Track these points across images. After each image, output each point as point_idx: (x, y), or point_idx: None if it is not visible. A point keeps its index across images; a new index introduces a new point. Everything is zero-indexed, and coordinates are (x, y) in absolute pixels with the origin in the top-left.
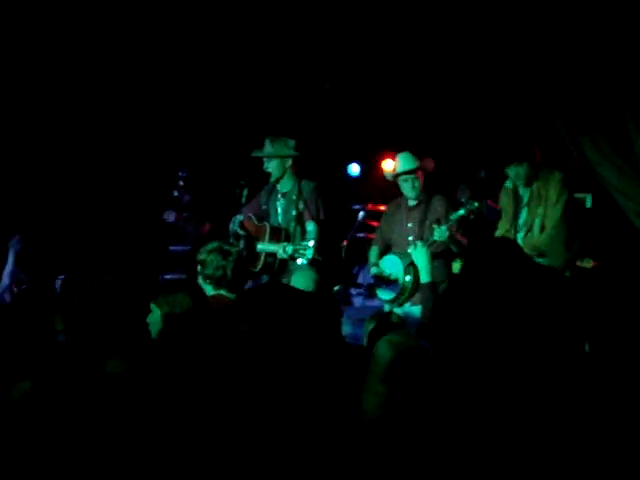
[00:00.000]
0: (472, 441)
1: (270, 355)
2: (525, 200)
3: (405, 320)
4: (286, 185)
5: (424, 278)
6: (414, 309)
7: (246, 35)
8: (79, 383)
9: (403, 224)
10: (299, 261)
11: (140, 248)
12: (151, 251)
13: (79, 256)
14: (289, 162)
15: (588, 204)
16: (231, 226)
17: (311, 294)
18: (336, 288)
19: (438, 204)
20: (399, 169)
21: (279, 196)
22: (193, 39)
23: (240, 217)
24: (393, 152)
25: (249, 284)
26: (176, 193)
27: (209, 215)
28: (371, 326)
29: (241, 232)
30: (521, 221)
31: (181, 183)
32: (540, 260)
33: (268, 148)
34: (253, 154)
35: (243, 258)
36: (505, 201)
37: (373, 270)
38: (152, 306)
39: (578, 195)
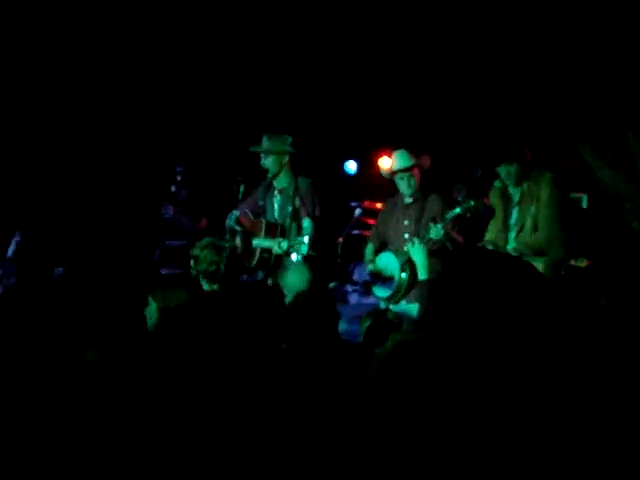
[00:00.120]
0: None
1: (264, 351)
2: (516, 199)
3: (401, 317)
4: (283, 181)
5: (421, 275)
6: (411, 306)
7: (244, 31)
8: (61, 371)
9: (399, 222)
10: (293, 256)
11: (137, 242)
12: (148, 246)
13: (77, 249)
14: (286, 158)
15: (584, 204)
16: (227, 222)
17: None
18: (331, 285)
19: (434, 202)
20: (395, 167)
21: (275, 192)
22: (191, 36)
23: (236, 213)
24: (390, 149)
25: (244, 279)
26: (174, 188)
27: (206, 210)
28: (367, 323)
29: (237, 228)
30: (512, 220)
31: (179, 178)
32: (534, 259)
33: (265, 144)
34: (250, 149)
35: (236, 254)
36: (494, 201)
37: (369, 267)
38: (149, 299)
39: (574, 195)
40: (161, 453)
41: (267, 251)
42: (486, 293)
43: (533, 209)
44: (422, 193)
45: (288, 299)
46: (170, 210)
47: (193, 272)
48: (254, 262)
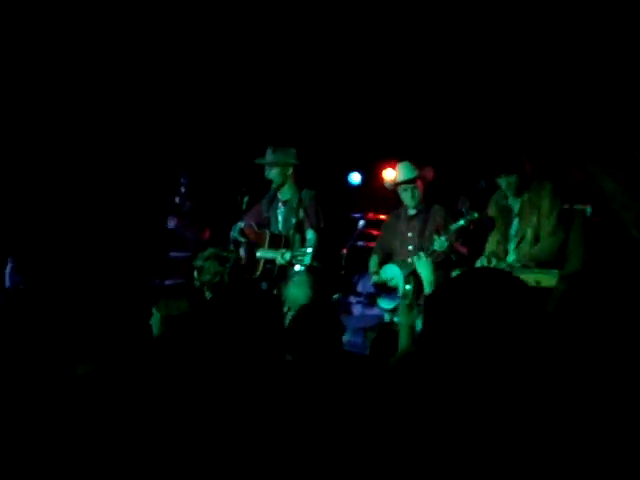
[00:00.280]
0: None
1: (267, 361)
2: (516, 210)
3: None
4: (287, 193)
5: (427, 289)
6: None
7: (248, 44)
8: (52, 384)
9: (403, 234)
10: (297, 267)
11: (141, 254)
12: (152, 257)
13: (80, 260)
14: (290, 170)
15: (588, 215)
16: (232, 233)
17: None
18: (335, 296)
19: (437, 214)
20: (399, 179)
21: (280, 204)
22: (196, 48)
23: (241, 224)
24: (394, 161)
25: None
26: (178, 200)
27: (209, 222)
28: (373, 336)
29: (241, 239)
30: (512, 231)
31: (183, 190)
32: (541, 271)
33: (270, 156)
34: (255, 161)
35: (240, 264)
36: (494, 212)
37: (373, 279)
38: (153, 310)
39: (578, 207)
40: (161, 464)
41: (271, 262)
42: (478, 309)
43: (534, 220)
44: (426, 205)
45: (292, 312)
46: (173, 221)
47: (197, 283)
48: (258, 273)
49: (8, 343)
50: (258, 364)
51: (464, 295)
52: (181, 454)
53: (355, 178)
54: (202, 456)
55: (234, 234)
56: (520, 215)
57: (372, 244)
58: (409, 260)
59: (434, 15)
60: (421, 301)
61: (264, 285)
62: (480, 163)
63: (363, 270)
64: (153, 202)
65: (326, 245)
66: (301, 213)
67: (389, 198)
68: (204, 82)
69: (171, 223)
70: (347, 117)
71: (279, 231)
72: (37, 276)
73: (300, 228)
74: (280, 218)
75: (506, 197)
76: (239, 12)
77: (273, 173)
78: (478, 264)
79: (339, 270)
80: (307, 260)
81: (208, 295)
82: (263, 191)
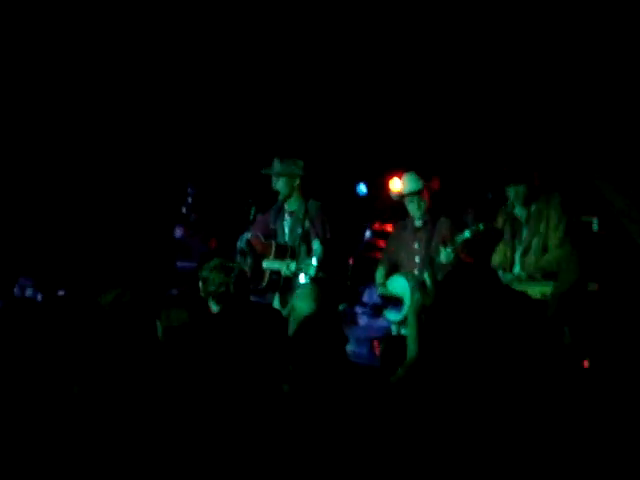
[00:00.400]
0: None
1: (269, 372)
2: (524, 220)
3: None
4: (293, 204)
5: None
6: None
7: (256, 55)
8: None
9: (409, 245)
10: (302, 278)
11: (148, 264)
12: (159, 267)
13: (87, 271)
14: (297, 181)
15: (595, 228)
16: (238, 243)
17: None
18: (341, 307)
19: (444, 225)
20: (405, 190)
21: (286, 215)
22: (204, 58)
23: (247, 235)
24: (400, 172)
25: (255, 301)
26: (184, 210)
27: (216, 232)
28: (382, 348)
29: (248, 250)
30: (519, 242)
31: (189, 200)
32: (542, 283)
33: (277, 167)
34: (262, 172)
35: (245, 275)
36: (502, 224)
37: (380, 290)
38: (157, 322)
39: (585, 219)
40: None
41: (276, 273)
42: (476, 318)
43: (542, 230)
44: (432, 216)
45: (296, 323)
46: (179, 231)
47: (202, 294)
48: (264, 284)
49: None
50: (261, 376)
51: (462, 307)
52: (182, 462)
53: (362, 189)
54: (202, 467)
55: (241, 244)
56: (528, 225)
57: (378, 254)
58: (416, 272)
59: (442, 27)
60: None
61: (270, 296)
62: (487, 175)
63: (369, 281)
64: (160, 212)
65: (332, 256)
66: (307, 224)
67: (395, 208)
68: (212, 93)
69: (178, 233)
70: (354, 128)
71: (285, 242)
72: (51, 287)
73: (306, 239)
74: (286, 229)
75: (514, 207)
76: (248, 25)
77: (280, 184)
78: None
79: (345, 281)
80: (312, 271)
81: (213, 306)
82: (270, 202)
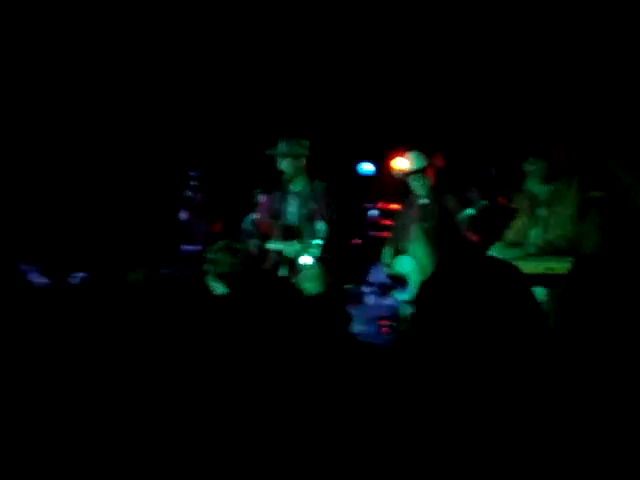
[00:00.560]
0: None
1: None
2: (542, 198)
3: None
4: (298, 185)
5: None
6: None
7: (258, 35)
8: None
9: (415, 223)
10: (306, 259)
11: (153, 247)
12: (163, 250)
13: (93, 255)
14: (302, 162)
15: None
16: (243, 225)
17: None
18: (348, 287)
19: (449, 202)
20: (408, 168)
21: (291, 196)
22: (207, 40)
23: (253, 216)
24: (404, 150)
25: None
26: (189, 193)
27: (221, 214)
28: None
29: (253, 231)
30: (537, 220)
31: (193, 183)
32: (560, 258)
33: (282, 147)
34: (267, 152)
35: (252, 256)
36: (521, 203)
37: (387, 271)
38: None
39: (595, 194)
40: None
41: (281, 254)
42: (470, 296)
43: (560, 209)
44: (437, 193)
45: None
46: (184, 214)
47: (211, 276)
48: (268, 264)
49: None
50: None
51: (456, 284)
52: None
53: (367, 167)
54: (203, 456)
55: (246, 226)
56: (546, 204)
57: (384, 233)
58: None
59: (444, 5)
60: None
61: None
62: (490, 151)
63: (375, 260)
64: (164, 195)
65: (337, 237)
66: (312, 204)
67: (400, 187)
68: (215, 75)
69: (182, 216)
70: (357, 106)
71: (290, 222)
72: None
73: (311, 220)
74: (292, 210)
75: (533, 185)
76: (249, 6)
77: (285, 164)
78: (494, 251)
79: (351, 260)
80: (316, 252)
81: (219, 288)
82: (275, 183)
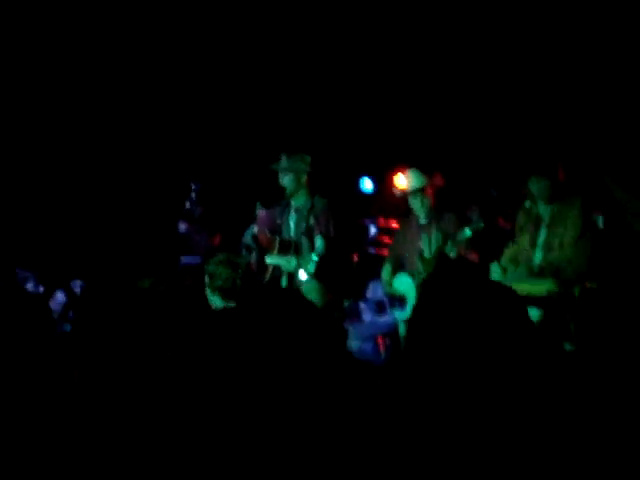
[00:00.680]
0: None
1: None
2: (545, 220)
3: None
4: (300, 200)
5: None
6: None
7: (262, 51)
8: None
9: (415, 242)
10: (301, 274)
11: (152, 259)
12: (163, 262)
13: (93, 264)
14: (304, 177)
15: (600, 225)
16: (244, 238)
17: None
18: (346, 303)
19: (448, 222)
20: (407, 187)
21: (292, 211)
22: (209, 53)
23: (253, 230)
24: (405, 168)
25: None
26: (188, 205)
27: (220, 227)
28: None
29: (253, 245)
30: (540, 240)
31: (193, 196)
32: (546, 280)
33: (284, 162)
34: (270, 167)
35: (251, 270)
36: (523, 220)
37: (386, 289)
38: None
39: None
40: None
41: (278, 268)
42: (464, 318)
43: (562, 230)
44: (436, 212)
45: None
46: (183, 226)
47: (209, 288)
48: (267, 278)
49: None
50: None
51: (450, 306)
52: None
53: (367, 185)
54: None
55: (246, 239)
56: (549, 225)
57: (383, 250)
58: (421, 269)
59: (448, 20)
60: None
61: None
62: (491, 171)
63: (374, 276)
64: (164, 207)
65: (335, 253)
66: (312, 220)
67: (401, 204)
68: (216, 88)
69: (182, 228)
70: (358, 124)
71: (290, 237)
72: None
73: (310, 235)
74: (292, 225)
75: (536, 204)
76: (253, 20)
77: (287, 180)
78: (492, 270)
79: (350, 277)
80: (310, 268)
81: (217, 301)
82: (276, 198)
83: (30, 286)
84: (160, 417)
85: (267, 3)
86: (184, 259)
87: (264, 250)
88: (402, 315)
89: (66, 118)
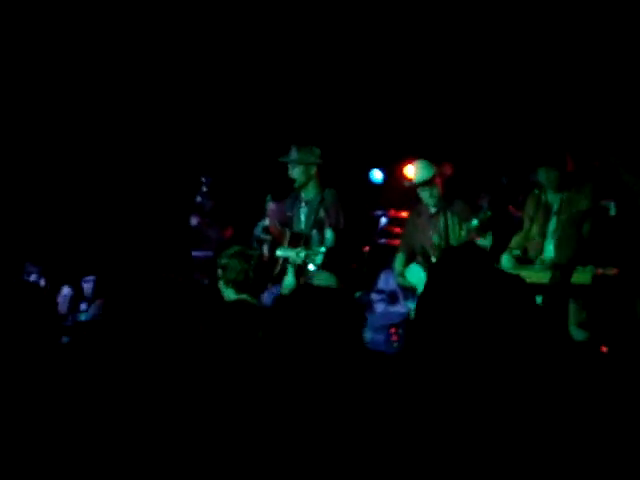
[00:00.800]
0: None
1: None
2: (555, 208)
3: None
4: (310, 192)
5: None
6: None
7: (271, 44)
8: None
9: (425, 232)
10: (310, 267)
11: (164, 253)
12: (175, 256)
13: (105, 259)
14: (314, 169)
15: (612, 212)
16: (255, 231)
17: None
18: (357, 294)
19: (459, 208)
20: (416, 180)
21: (302, 203)
22: (219, 46)
23: (264, 222)
24: (414, 158)
25: (271, 288)
26: (199, 199)
27: (231, 221)
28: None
29: (265, 237)
30: (551, 229)
31: (204, 189)
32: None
33: (294, 155)
34: (279, 160)
35: (263, 262)
36: (531, 208)
37: (398, 280)
38: None
39: (602, 203)
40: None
41: (288, 260)
42: (472, 306)
43: (573, 219)
44: (446, 202)
45: None
46: (194, 220)
47: (221, 281)
48: (277, 271)
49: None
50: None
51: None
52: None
53: (377, 176)
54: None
55: (258, 232)
56: (559, 214)
57: (394, 241)
58: (432, 259)
59: (456, 12)
60: None
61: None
62: (501, 160)
63: (385, 267)
64: (175, 201)
65: (346, 244)
66: (322, 212)
67: (411, 195)
68: (227, 81)
69: (193, 221)
70: (368, 115)
71: (301, 230)
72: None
73: (320, 227)
74: (302, 217)
75: (545, 193)
76: (262, 15)
77: (296, 172)
78: (503, 258)
79: (361, 268)
80: (319, 260)
81: (230, 294)
82: (286, 190)
83: (32, 278)
84: (178, 405)
85: None
86: (195, 253)
87: (275, 243)
88: (414, 306)
89: (77, 112)
